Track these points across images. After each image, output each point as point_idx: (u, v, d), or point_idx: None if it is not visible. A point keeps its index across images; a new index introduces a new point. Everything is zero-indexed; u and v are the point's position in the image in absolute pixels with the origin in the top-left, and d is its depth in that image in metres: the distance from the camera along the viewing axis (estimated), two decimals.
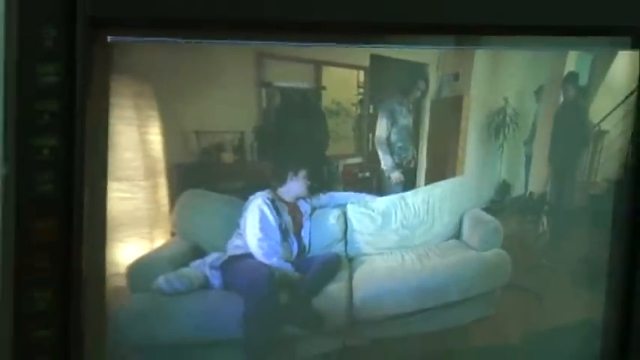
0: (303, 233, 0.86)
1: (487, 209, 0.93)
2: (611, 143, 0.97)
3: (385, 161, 0.88)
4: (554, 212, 0.97)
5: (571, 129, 0.97)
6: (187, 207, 0.79)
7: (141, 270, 0.78)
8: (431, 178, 0.90)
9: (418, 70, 0.87)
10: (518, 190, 0.94)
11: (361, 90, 0.85)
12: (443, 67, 0.88)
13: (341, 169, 0.86)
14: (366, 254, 0.88)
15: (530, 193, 0.96)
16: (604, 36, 0.92)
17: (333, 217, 0.87)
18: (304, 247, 0.86)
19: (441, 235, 0.91)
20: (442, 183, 0.90)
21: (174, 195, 0.78)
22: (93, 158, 0.73)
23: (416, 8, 0.80)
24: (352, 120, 0.85)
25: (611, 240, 0.98)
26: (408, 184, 0.89)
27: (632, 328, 0.98)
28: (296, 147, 0.84)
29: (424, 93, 0.88)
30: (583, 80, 0.94)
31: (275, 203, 0.84)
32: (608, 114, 0.96)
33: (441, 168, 0.91)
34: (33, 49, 0.69)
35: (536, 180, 0.95)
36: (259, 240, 0.83)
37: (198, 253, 0.81)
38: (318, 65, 0.82)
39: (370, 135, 0.87)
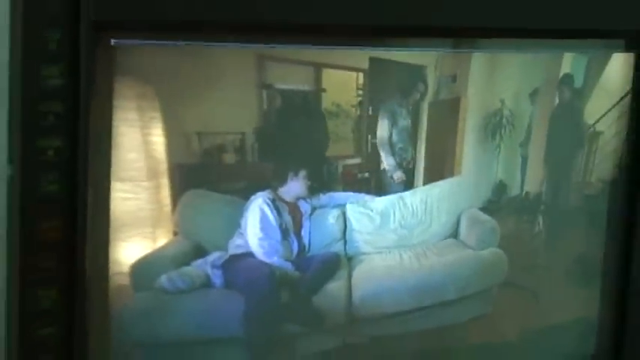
0: (303, 233, 0.86)
1: (484, 209, 0.93)
2: (605, 144, 0.97)
3: (387, 161, 0.88)
4: (549, 212, 0.97)
5: (566, 130, 0.97)
6: (189, 207, 0.79)
7: (144, 269, 0.78)
8: (429, 179, 0.90)
9: (416, 73, 0.88)
10: (514, 190, 0.95)
11: (360, 92, 0.86)
12: (440, 69, 0.88)
13: (340, 169, 0.86)
14: (365, 253, 0.89)
15: (527, 193, 0.96)
16: (598, 38, 0.93)
17: (332, 217, 0.87)
18: (304, 246, 0.86)
19: (438, 235, 0.92)
20: (440, 183, 0.91)
21: (176, 195, 0.79)
22: (97, 159, 0.73)
23: (414, 12, 0.81)
24: (351, 121, 0.86)
25: (605, 240, 0.98)
26: (407, 184, 0.89)
27: (626, 326, 0.98)
28: (296, 148, 0.84)
29: (423, 95, 0.89)
30: (578, 82, 0.95)
31: (275, 203, 0.84)
32: (603, 115, 0.96)
33: (439, 168, 0.91)
34: (37, 52, 0.69)
35: (532, 180, 0.96)
36: (260, 239, 0.83)
37: (200, 252, 0.81)
38: (318, 67, 0.83)
39: (369, 136, 0.87)
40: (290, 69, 0.82)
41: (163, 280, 0.79)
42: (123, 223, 0.77)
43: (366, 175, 0.88)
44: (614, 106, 0.96)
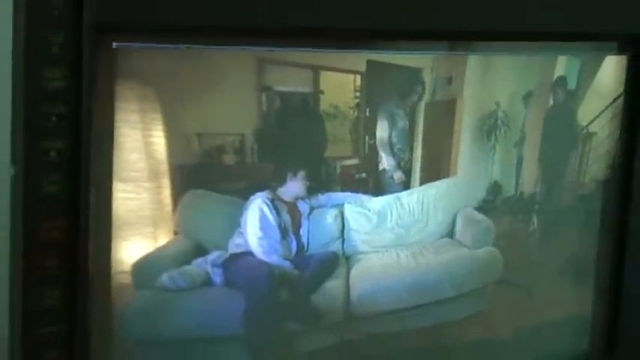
0: (301, 232, 0.86)
1: (479, 209, 0.94)
2: (599, 145, 0.98)
3: (388, 162, 0.89)
4: (544, 212, 0.98)
5: (560, 131, 0.98)
6: (190, 207, 0.80)
7: (145, 268, 0.78)
8: (425, 179, 0.91)
9: (413, 75, 0.88)
10: (509, 190, 0.96)
11: (358, 94, 0.86)
12: (437, 71, 0.89)
13: (338, 170, 0.87)
14: (362, 252, 0.89)
15: (521, 193, 0.97)
16: (592, 41, 0.93)
17: (330, 217, 0.87)
18: (303, 245, 0.86)
19: (434, 234, 0.92)
20: (436, 183, 0.91)
21: (177, 195, 0.79)
22: (99, 160, 0.73)
23: (410, 15, 0.81)
24: (349, 123, 0.86)
25: (599, 239, 0.99)
26: (404, 184, 0.90)
27: (619, 324, 0.99)
28: (295, 149, 0.85)
29: (420, 96, 0.89)
30: (572, 84, 0.96)
31: (275, 203, 0.84)
32: (596, 116, 0.97)
33: (435, 169, 0.92)
34: (40, 54, 0.69)
35: (527, 180, 0.97)
36: (259, 238, 0.84)
37: (200, 251, 0.81)
38: (316, 70, 0.83)
39: (367, 137, 0.88)
40: (289, 71, 0.82)
41: (164, 278, 0.79)
42: (125, 223, 0.77)
43: (364, 175, 0.89)
44: (607, 108, 0.97)
